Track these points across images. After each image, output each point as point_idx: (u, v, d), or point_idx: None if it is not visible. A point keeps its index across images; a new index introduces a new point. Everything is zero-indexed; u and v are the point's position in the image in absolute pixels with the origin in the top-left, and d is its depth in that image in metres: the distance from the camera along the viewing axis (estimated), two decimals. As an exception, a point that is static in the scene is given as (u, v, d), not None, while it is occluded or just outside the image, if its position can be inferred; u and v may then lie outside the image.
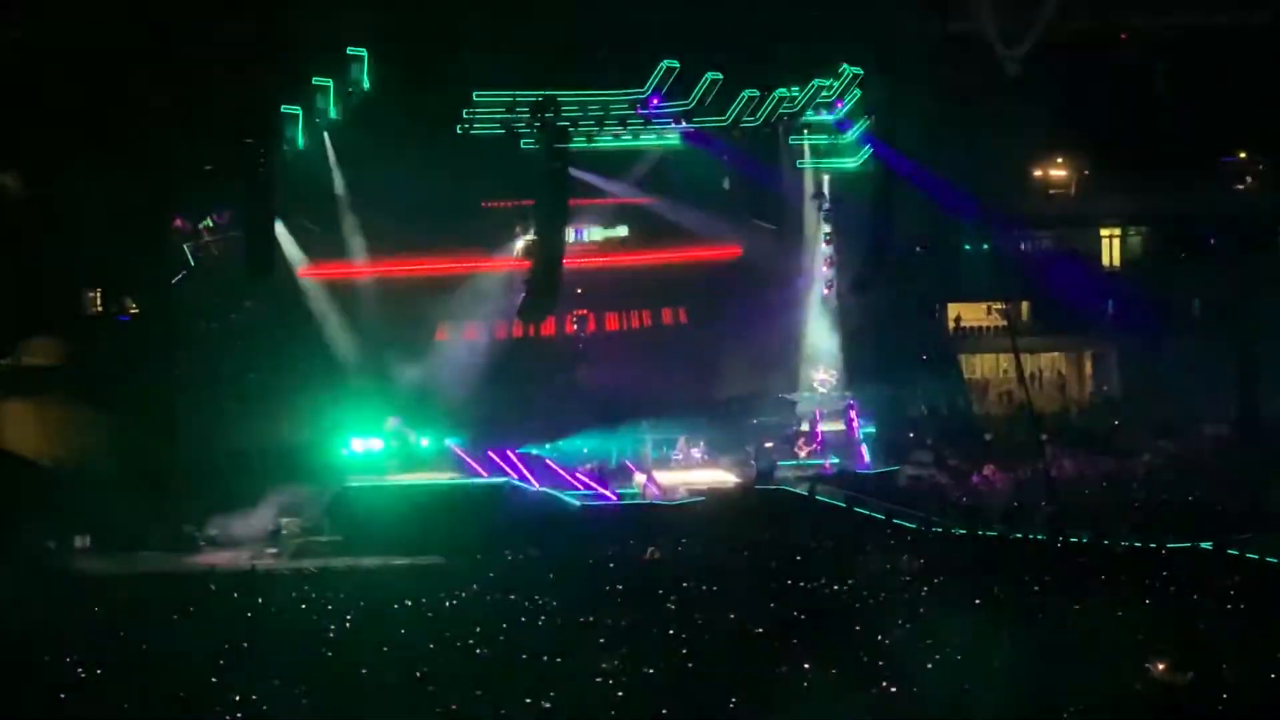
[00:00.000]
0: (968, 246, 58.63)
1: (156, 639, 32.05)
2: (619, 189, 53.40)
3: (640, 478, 49.39)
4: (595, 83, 51.53)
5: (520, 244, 50.53)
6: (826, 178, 55.49)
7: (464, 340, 51.42)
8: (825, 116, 54.58)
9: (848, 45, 53.73)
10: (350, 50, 47.66)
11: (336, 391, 48.72)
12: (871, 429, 52.01)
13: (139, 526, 45.44)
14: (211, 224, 49.03)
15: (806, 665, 28.71)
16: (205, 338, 48.24)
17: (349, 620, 33.70)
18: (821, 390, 53.51)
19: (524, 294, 50.30)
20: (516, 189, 50.93)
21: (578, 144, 50.96)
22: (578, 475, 48.64)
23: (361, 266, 50.47)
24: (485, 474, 47.69)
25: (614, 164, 53.03)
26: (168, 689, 28.07)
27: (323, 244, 50.08)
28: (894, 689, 27.26)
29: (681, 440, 51.85)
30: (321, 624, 33.45)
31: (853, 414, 52.07)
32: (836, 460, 51.20)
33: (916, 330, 59.27)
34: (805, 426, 52.47)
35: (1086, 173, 63.78)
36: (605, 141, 52.34)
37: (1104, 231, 64.57)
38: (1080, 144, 62.34)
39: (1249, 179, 63.74)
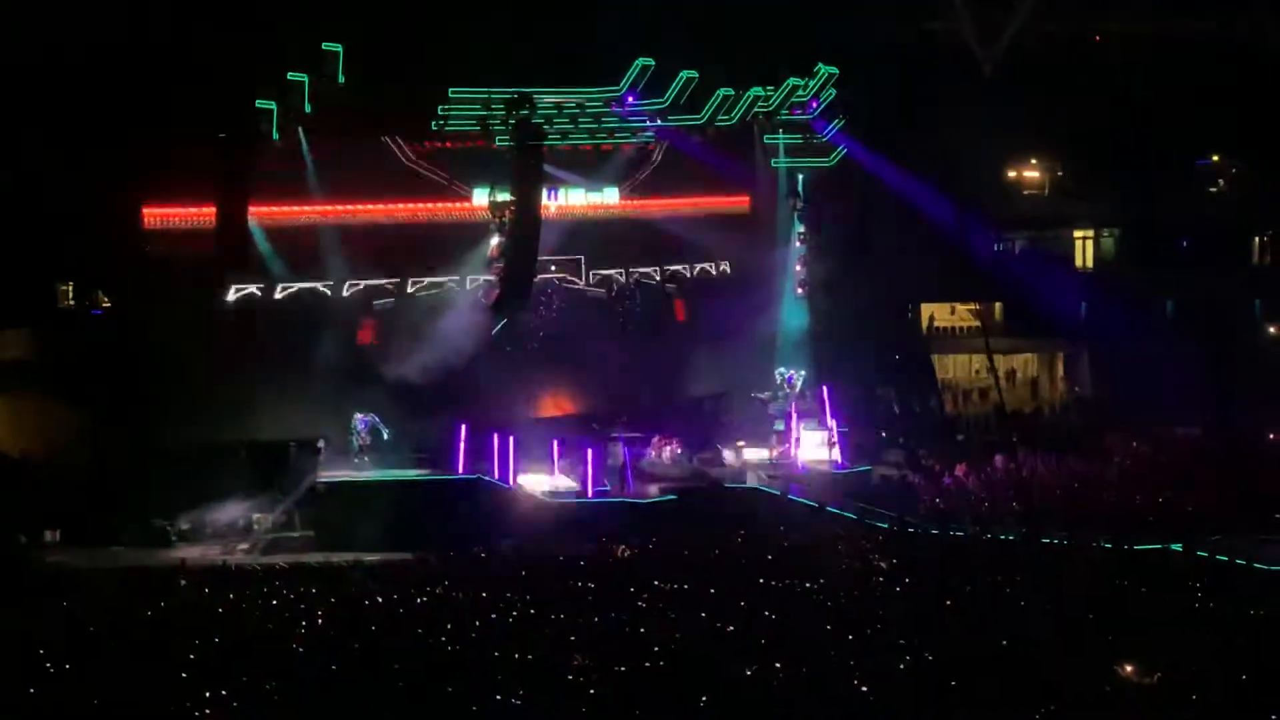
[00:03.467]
0: (941, 247, 58.61)
1: (126, 634, 31.95)
2: (594, 187, 53.34)
3: (616, 461, 49.42)
4: (570, 80, 51.55)
5: (495, 240, 50.32)
6: (801, 176, 55.56)
7: (437, 336, 51.19)
8: (800, 115, 54.68)
9: (823, 44, 53.82)
10: (325, 45, 47.57)
11: (310, 385, 48.45)
12: (844, 428, 51.98)
13: (110, 520, 45.32)
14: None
15: (777, 664, 28.73)
16: (177, 332, 47.90)
17: (320, 616, 33.62)
18: (794, 389, 53.46)
19: (498, 290, 50.26)
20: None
21: (552, 141, 51.01)
22: (551, 472, 48.56)
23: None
24: (458, 470, 47.63)
25: (589, 161, 53.10)
26: (137, 684, 27.97)
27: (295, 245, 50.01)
28: (865, 688, 27.30)
29: (655, 439, 51.80)
30: (293, 620, 33.35)
31: (826, 413, 52.01)
32: (809, 459, 51.22)
33: (889, 330, 59.38)
34: (778, 425, 52.42)
35: (1060, 174, 64.05)
36: (580, 139, 52.42)
37: (1077, 233, 64.84)
38: (1054, 145, 62.63)
39: (1221, 182, 64.11)
